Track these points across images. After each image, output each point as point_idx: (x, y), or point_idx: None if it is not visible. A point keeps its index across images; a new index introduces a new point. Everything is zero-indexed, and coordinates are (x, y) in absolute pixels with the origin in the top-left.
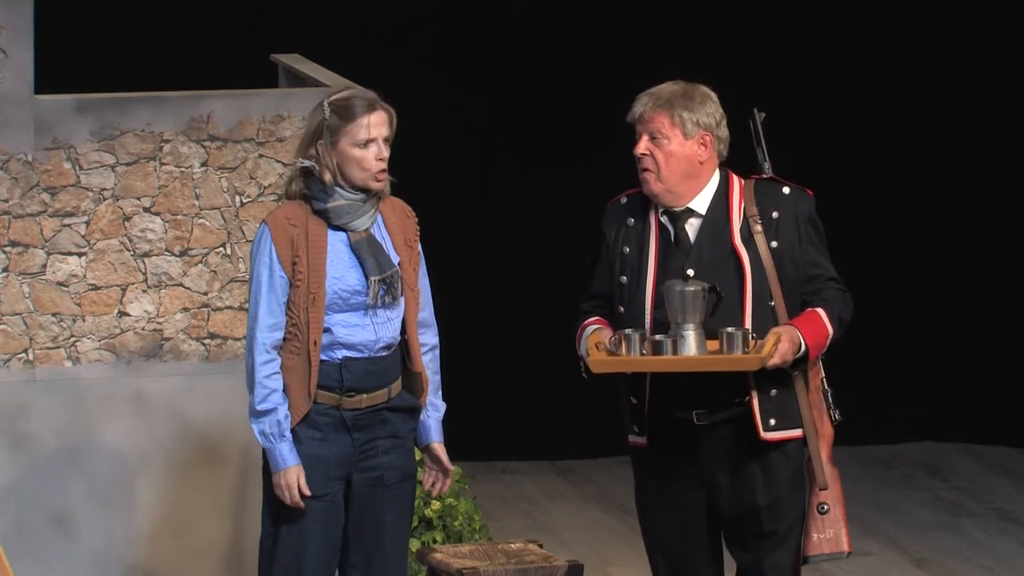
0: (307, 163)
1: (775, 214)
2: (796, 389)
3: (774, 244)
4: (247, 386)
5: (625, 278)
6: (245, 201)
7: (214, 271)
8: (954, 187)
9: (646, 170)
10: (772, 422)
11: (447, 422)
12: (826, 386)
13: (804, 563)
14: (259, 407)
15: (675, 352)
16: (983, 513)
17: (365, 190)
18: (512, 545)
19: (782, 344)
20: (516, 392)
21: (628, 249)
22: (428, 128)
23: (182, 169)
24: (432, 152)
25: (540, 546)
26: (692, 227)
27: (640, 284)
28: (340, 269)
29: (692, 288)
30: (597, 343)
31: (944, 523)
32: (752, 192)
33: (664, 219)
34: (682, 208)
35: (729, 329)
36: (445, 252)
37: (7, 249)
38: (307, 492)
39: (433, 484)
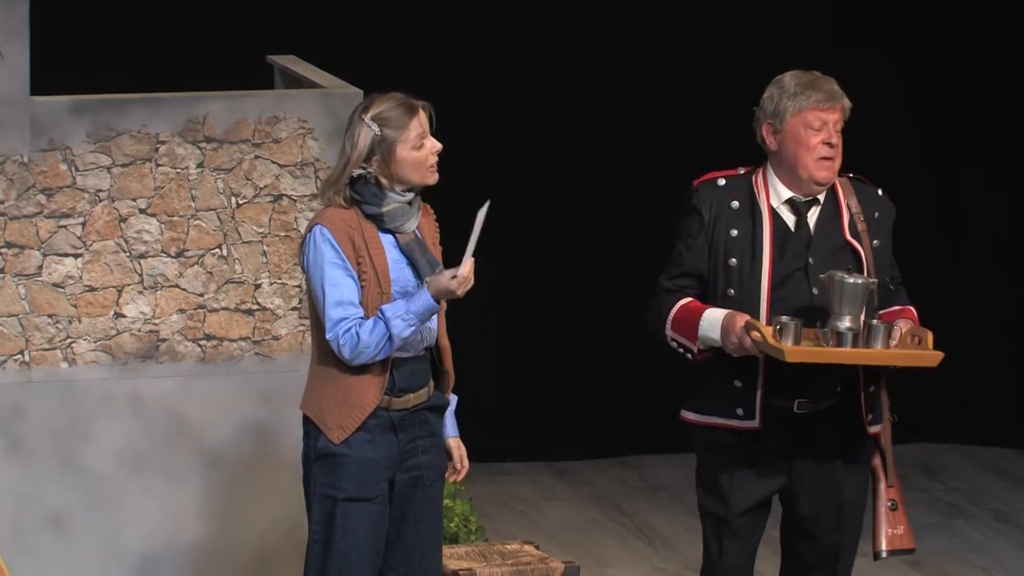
0: (369, 169)
1: (877, 214)
2: (882, 386)
3: (875, 243)
4: (370, 356)
5: (735, 260)
6: (241, 202)
7: (210, 272)
8: (954, 185)
9: (829, 158)
10: (870, 417)
11: None
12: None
13: (876, 559)
14: (394, 343)
15: (855, 344)
16: (979, 514)
17: (413, 189)
18: (508, 546)
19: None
20: (512, 393)
21: (736, 232)
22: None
23: (178, 170)
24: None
25: (536, 547)
26: (812, 216)
27: (755, 268)
28: (395, 270)
29: (861, 281)
30: (753, 327)
31: (940, 524)
32: (851, 190)
33: (783, 207)
34: (811, 197)
35: (873, 321)
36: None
37: (3, 251)
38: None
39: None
